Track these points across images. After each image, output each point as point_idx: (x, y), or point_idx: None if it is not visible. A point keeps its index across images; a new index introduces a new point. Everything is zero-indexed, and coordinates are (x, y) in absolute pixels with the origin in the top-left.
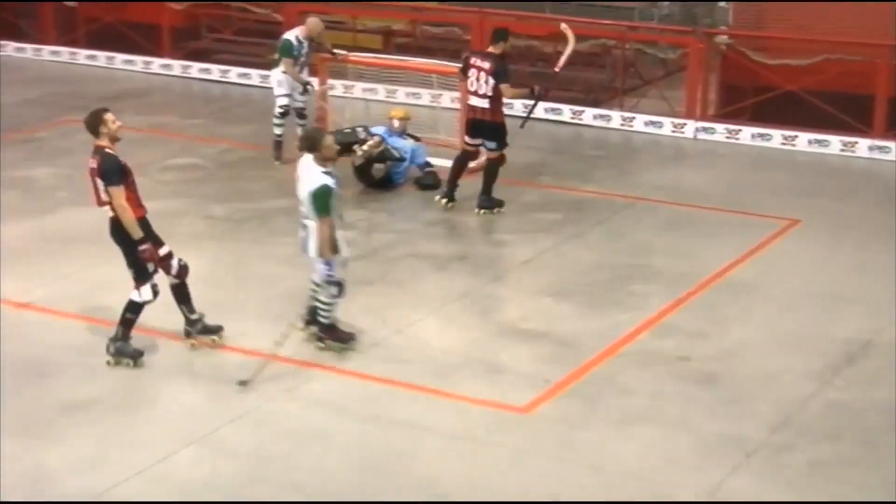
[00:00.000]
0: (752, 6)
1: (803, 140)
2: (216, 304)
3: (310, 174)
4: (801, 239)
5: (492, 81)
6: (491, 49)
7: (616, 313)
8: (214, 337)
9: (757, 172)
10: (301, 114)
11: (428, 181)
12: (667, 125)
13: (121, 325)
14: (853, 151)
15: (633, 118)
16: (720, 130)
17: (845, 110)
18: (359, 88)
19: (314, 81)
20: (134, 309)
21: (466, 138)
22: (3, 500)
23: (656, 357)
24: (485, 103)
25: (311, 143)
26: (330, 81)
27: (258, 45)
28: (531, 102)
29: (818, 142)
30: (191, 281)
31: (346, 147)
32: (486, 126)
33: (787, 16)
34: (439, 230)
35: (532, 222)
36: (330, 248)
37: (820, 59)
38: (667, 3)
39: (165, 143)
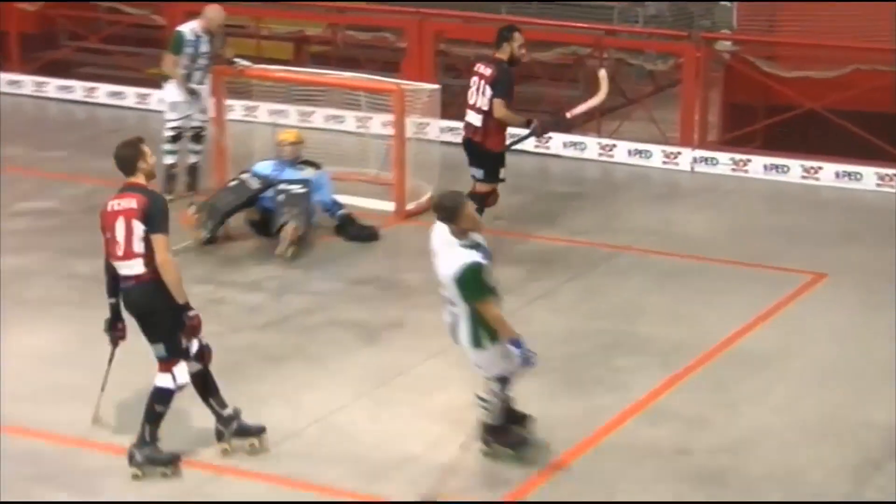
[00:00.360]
0: (762, 4)
1: (829, 172)
2: (75, 390)
3: (450, 251)
4: (827, 298)
5: (489, 92)
6: (497, 54)
7: (596, 395)
8: (254, 440)
9: (771, 214)
10: (198, 136)
11: (359, 231)
12: (657, 155)
13: (147, 423)
14: (893, 186)
15: (615, 146)
16: (724, 161)
17: (881, 134)
18: (264, 110)
19: (206, 95)
20: (163, 399)
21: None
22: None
23: (648, 450)
24: (478, 120)
25: (448, 213)
26: (228, 101)
27: (134, 56)
28: (524, 132)
29: (848, 174)
30: (43, 359)
31: (240, 208)
32: (474, 149)
33: (806, 16)
34: (368, 290)
35: None
36: (505, 328)
37: (849, 70)
38: (654, 1)
39: (13, 183)
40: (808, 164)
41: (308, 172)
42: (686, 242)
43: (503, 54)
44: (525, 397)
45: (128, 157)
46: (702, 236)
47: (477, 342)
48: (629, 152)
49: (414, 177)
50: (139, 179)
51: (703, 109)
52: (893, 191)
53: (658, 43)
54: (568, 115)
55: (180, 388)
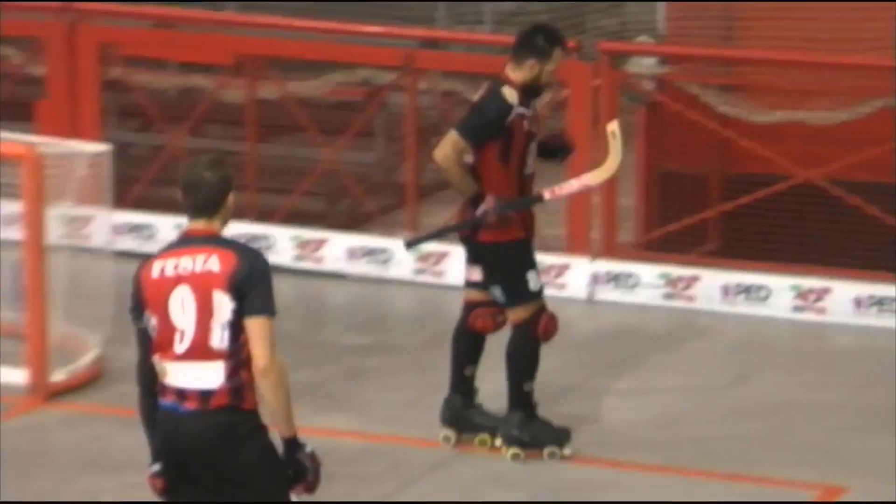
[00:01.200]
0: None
1: (842, 298)
2: None
3: None
4: None
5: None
6: (509, 72)
7: None
8: None
9: (740, 383)
10: None
11: None
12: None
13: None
14: None
15: (444, 256)
16: (648, 280)
17: None
18: None
19: None
20: None
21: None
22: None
23: None
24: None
25: None
26: None
27: None
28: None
29: (877, 302)
30: None
31: None
32: (473, 248)
33: (797, 15)
34: None
35: None
36: None
37: (876, 109)
38: None
39: None
40: (805, 283)
41: None
42: (595, 438)
43: (518, 74)
44: None
45: (216, 186)
46: (619, 429)
47: None
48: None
49: (66, 321)
50: (215, 226)
51: (608, 185)
52: None
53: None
54: (547, 195)
55: None
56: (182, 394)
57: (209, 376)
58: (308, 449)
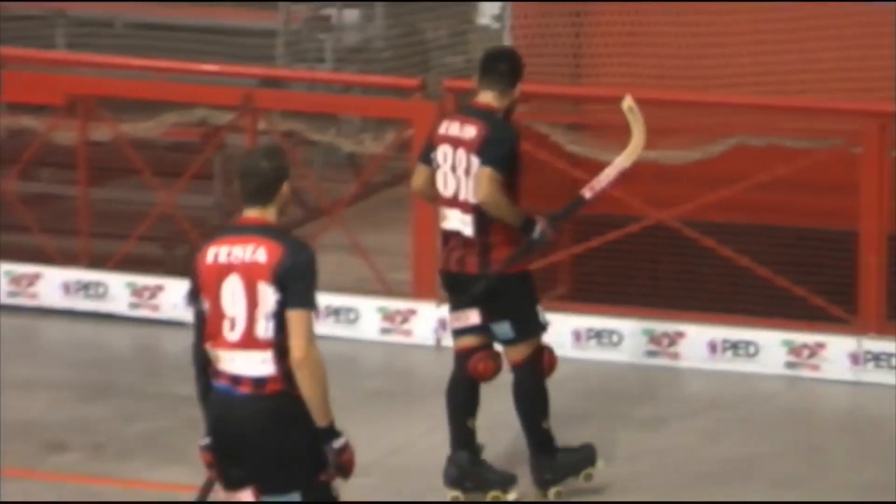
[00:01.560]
0: (560, 15)
1: (695, 341)
2: None
3: None
4: None
5: (476, 164)
6: (486, 100)
7: None
8: None
9: (584, 427)
10: None
11: None
12: (369, 316)
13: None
14: (817, 371)
15: None
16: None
17: (805, 264)
18: None
19: None
20: None
21: (448, 319)
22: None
23: None
24: (467, 225)
25: None
26: None
27: None
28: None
29: (733, 346)
30: None
31: None
32: (467, 284)
33: (638, 55)
34: None
35: None
36: None
37: (729, 147)
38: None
39: None
40: (658, 327)
41: None
42: None
43: (503, 102)
44: None
45: (271, 174)
46: None
47: None
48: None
49: None
50: (268, 215)
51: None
52: (820, 377)
53: (362, 99)
54: (587, 193)
55: None
56: (236, 379)
57: (260, 365)
58: (339, 443)
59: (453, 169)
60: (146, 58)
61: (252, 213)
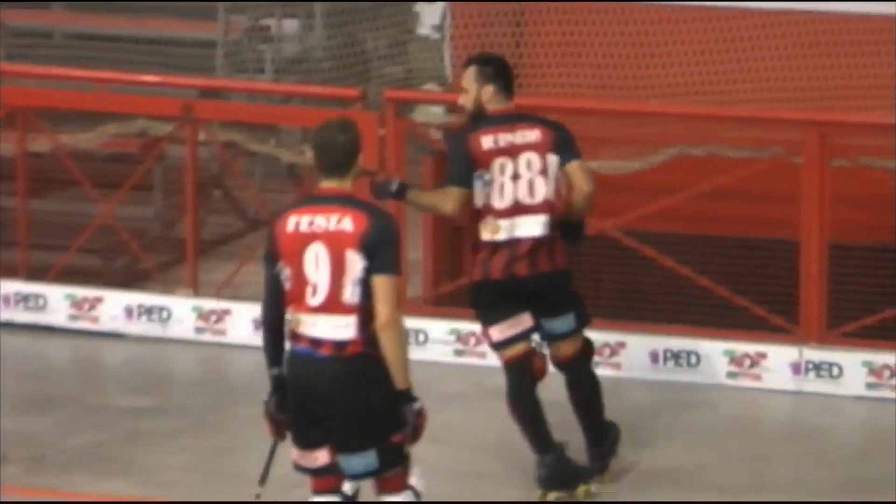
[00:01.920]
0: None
1: (636, 351)
2: None
3: None
4: None
5: (553, 164)
6: (512, 104)
7: None
8: None
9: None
10: None
11: None
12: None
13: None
14: (757, 380)
15: (228, 313)
16: (439, 337)
17: (742, 282)
18: None
19: None
20: None
21: (494, 332)
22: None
23: None
24: (543, 227)
25: None
26: None
27: None
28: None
29: (669, 355)
30: None
31: None
32: (557, 286)
33: (578, 65)
34: None
35: None
36: None
37: (669, 157)
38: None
39: None
40: (600, 337)
41: None
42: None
43: (511, 104)
44: None
45: (348, 147)
46: None
47: None
48: (256, 327)
49: None
50: (346, 185)
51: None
52: (758, 387)
53: (302, 110)
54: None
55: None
56: (317, 342)
57: (342, 328)
58: (417, 406)
59: (515, 177)
60: (85, 69)
61: (331, 185)
